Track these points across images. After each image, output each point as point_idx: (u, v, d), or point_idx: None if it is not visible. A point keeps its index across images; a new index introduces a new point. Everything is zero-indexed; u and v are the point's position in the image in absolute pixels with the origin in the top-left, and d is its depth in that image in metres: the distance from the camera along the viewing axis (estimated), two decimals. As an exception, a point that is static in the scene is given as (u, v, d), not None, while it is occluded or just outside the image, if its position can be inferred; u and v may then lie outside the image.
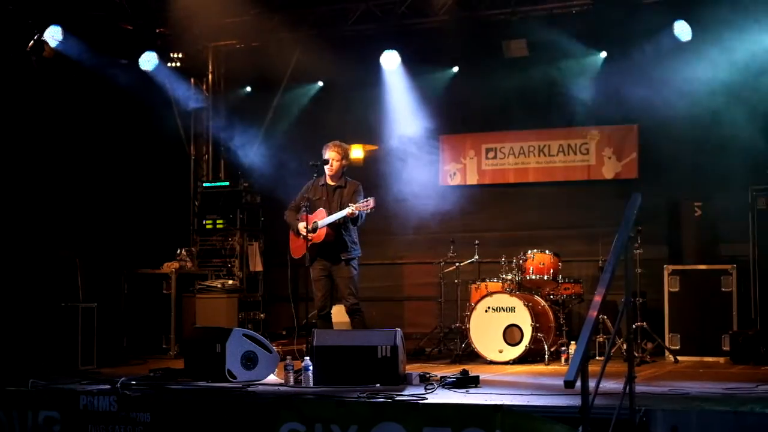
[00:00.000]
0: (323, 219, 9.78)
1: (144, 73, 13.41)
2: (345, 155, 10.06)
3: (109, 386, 8.14)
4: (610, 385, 7.16)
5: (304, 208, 9.72)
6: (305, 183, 10.14)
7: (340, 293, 9.91)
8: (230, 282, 12.93)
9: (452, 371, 9.24)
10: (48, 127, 12.04)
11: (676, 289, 11.41)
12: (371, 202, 9.63)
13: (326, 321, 9.91)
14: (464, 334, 11.46)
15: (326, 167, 9.94)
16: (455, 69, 13.73)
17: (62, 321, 10.56)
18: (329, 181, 10.01)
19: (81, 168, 12.51)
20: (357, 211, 9.62)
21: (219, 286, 12.70)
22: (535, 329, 10.90)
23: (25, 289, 10.64)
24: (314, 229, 9.69)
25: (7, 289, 10.58)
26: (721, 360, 10.97)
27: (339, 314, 10.36)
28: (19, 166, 11.65)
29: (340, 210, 9.78)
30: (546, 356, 10.93)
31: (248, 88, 14.61)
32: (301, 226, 9.78)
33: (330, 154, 9.96)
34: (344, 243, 9.87)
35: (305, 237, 9.66)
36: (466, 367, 9.11)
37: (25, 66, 11.77)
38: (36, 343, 10.29)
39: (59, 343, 10.47)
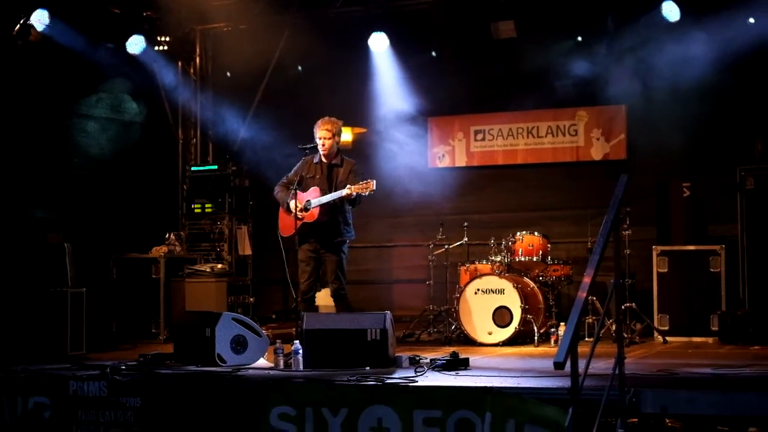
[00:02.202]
0: (317, 198, 9.59)
1: (131, 56, 13.34)
2: (338, 131, 9.84)
3: (98, 371, 8.12)
4: (599, 366, 7.19)
5: (295, 187, 9.47)
6: (295, 165, 10.00)
7: (327, 276, 9.74)
8: (219, 266, 12.90)
9: (442, 354, 9.21)
10: (35, 112, 11.99)
11: (665, 270, 11.43)
12: (372, 184, 9.41)
13: (310, 304, 9.73)
14: (454, 316, 11.48)
15: (320, 147, 9.73)
16: (443, 51, 13.68)
17: (51, 306, 10.53)
18: (324, 159, 9.79)
19: (70, 152, 12.46)
20: (354, 193, 9.44)
21: (208, 270, 12.68)
22: (524, 311, 10.91)
23: (13, 274, 10.59)
24: (306, 208, 9.52)
25: (-3, 275, 10.56)
26: (710, 340, 11.00)
27: (325, 298, 10.32)
28: (7, 151, 11.59)
29: (333, 187, 9.64)
30: (535, 338, 10.95)
31: (236, 71, 14.55)
32: (292, 203, 9.56)
33: (321, 132, 9.74)
34: (338, 224, 9.69)
35: (296, 216, 9.48)
36: (455, 349, 9.11)
37: (11, 50, 11.71)
38: (25, 328, 10.26)
39: (48, 329, 10.44)
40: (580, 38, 12.83)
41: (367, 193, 9.44)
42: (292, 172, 9.94)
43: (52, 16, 12.09)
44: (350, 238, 9.86)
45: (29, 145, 11.92)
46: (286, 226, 9.83)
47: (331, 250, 9.72)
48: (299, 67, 14.15)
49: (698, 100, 12.05)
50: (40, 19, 11.99)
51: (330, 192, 9.65)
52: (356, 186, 9.44)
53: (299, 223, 9.53)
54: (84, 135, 12.78)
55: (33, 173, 11.93)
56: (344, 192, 9.46)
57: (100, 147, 12.93)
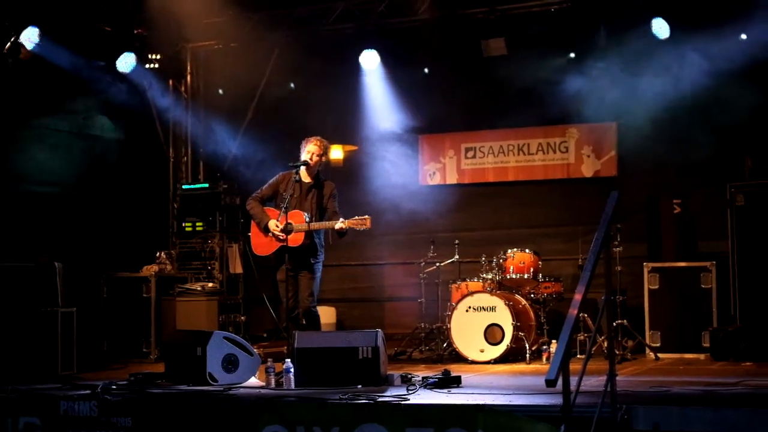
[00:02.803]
0: (300, 223, 9.48)
1: (122, 74, 13.33)
2: (325, 151, 9.83)
3: (89, 391, 8.10)
4: (591, 383, 7.16)
5: (283, 207, 9.36)
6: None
7: (300, 294, 9.65)
8: (210, 284, 12.88)
9: (434, 371, 9.23)
10: (25, 130, 11.97)
11: (656, 287, 11.44)
12: (368, 221, 9.35)
13: (295, 323, 9.63)
14: (445, 334, 11.46)
15: (308, 159, 9.68)
16: (434, 68, 13.71)
17: (42, 326, 10.50)
18: (305, 178, 9.74)
19: (60, 171, 12.44)
20: (346, 227, 9.40)
21: (199, 288, 12.65)
22: (516, 328, 10.90)
23: (3, 294, 10.56)
24: (288, 231, 9.42)
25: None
26: (702, 357, 11.01)
27: (325, 316, 10.25)
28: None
29: (312, 208, 9.59)
30: (527, 355, 10.93)
31: (227, 89, 14.56)
32: (272, 224, 9.53)
33: (311, 147, 9.72)
34: (314, 247, 9.66)
35: (278, 238, 9.44)
36: (447, 367, 9.12)
37: (1, 68, 11.70)
38: (15, 348, 10.24)
39: (39, 348, 10.41)
40: (572, 55, 12.84)
41: (360, 228, 9.38)
42: (267, 185, 9.88)
43: (42, 34, 12.08)
44: (322, 259, 9.81)
45: (19, 164, 11.90)
46: (260, 245, 9.78)
47: (306, 269, 9.67)
48: (292, 85, 14.15)
49: (688, 117, 12.09)
50: (30, 37, 11.97)
51: (312, 214, 9.60)
52: (351, 221, 9.38)
53: (278, 245, 9.48)
54: (53, 150, 12.67)
55: (22, 193, 11.90)
56: (337, 225, 9.38)
57: (69, 163, 12.80)
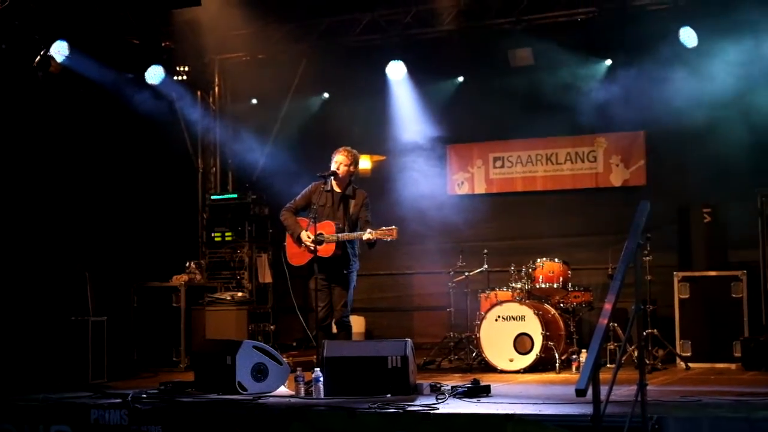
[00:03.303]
0: (331, 234, 9.47)
1: (151, 86, 13.42)
2: (354, 161, 9.78)
3: (119, 399, 8.14)
4: (621, 392, 7.12)
5: (311, 217, 9.38)
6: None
7: (334, 305, 9.65)
8: (239, 294, 12.92)
9: (463, 381, 9.22)
10: (55, 142, 12.06)
11: (687, 296, 11.38)
12: (395, 232, 9.28)
13: (327, 332, 9.61)
14: (474, 343, 11.45)
15: (336, 169, 9.66)
16: (461, 78, 13.73)
17: (72, 335, 10.58)
18: (336, 188, 9.74)
19: (90, 182, 12.52)
20: (375, 238, 9.39)
21: (228, 298, 12.70)
22: (545, 338, 10.88)
23: (35, 302, 10.65)
24: (319, 242, 9.41)
25: (18, 303, 10.59)
26: (733, 366, 10.94)
27: (356, 324, 10.22)
28: (28, 181, 11.66)
29: (345, 218, 9.59)
30: (557, 365, 10.90)
31: (255, 100, 14.63)
32: (304, 235, 9.51)
33: (339, 158, 9.71)
34: (347, 257, 9.63)
35: (309, 249, 9.43)
36: (476, 376, 9.10)
37: (31, 81, 11.79)
38: (47, 356, 10.31)
39: (70, 357, 10.48)
40: (601, 63, 12.82)
41: (388, 239, 9.33)
42: (300, 196, 9.87)
43: (71, 47, 12.17)
44: (356, 269, 9.79)
45: (50, 176, 11.98)
46: (294, 255, 9.77)
47: (340, 281, 9.66)
48: (326, 94, 14.19)
49: (718, 125, 12.02)
50: (59, 50, 12.06)
51: (343, 224, 9.60)
52: (378, 231, 9.33)
53: (311, 255, 9.48)
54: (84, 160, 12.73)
55: (53, 203, 11.98)
56: (365, 236, 9.34)
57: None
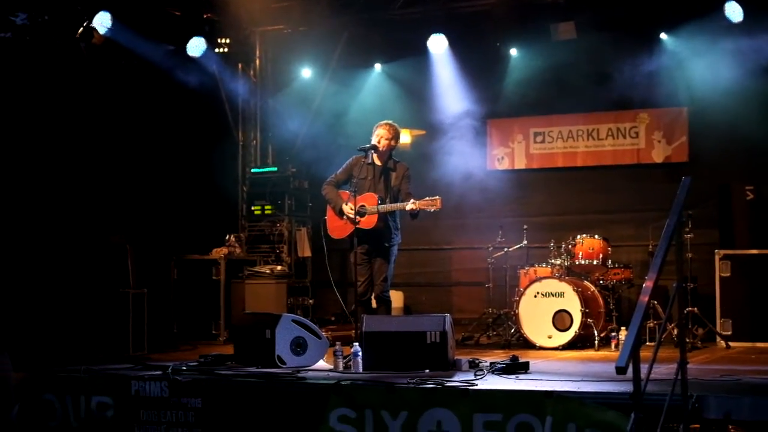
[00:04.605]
0: (373, 205, 9.44)
1: (192, 58, 13.44)
2: (395, 135, 9.72)
3: (160, 372, 8.20)
4: (661, 371, 7.10)
5: (352, 190, 9.35)
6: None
7: (374, 279, 9.63)
8: (279, 268, 12.96)
9: (501, 357, 9.21)
10: (98, 114, 12.11)
11: (728, 274, 11.29)
12: (438, 201, 9.19)
13: (367, 306, 9.59)
14: (513, 319, 11.43)
15: (377, 144, 9.61)
16: (502, 53, 13.64)
17: (113, 307, 10.65)
18: (377, 161, 9.68)
19: (131, 154, 12.57)
20: (418, 209, 9.33)
21: (268, 271, 12.74)
22: (584, 315, 10.84)
23: (77, 275, 10.71)
24: (361, 213, 9.39)
25: (60, 276, 10.67)
26: (774, 345, 10.86)
27: (395, 299, 10.18)
28: (71, 153, 11.73)
29: (387, 191, 9.55)
30: (596, 342, 10.86)
31: (296, 73, 14.60)
32: (346, 207, 9.50)
33: (380, 131, 9.66)
34: (389, 230, 9.58)
35: (352, 220, 9.38)
36: (515, 352, 9.10)
37: (74, 53, 11.84)
38: (88, 329, 10.37)
39: (110, 330, 10.56)
40: (652, 37, 12.68)
41: (431, 209, 9.25)
42: (341, 170, 9.83)
43: (114, 18, 12.20)
44: (398, 242, 9.75)
45: (93, 147, 12.04)
46: (336, 228, 9.77)
47: (381, 254, 9.63)
48: (376, 65, 14.11)
49: (761, 102, 11.90)
50: (102, 21, 12.11)
51: (385, 196, 9.57)
52: (422, 201, 9.25)
53: (353, 228, 9.45)
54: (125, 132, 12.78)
55: (95, 175, 12.05)
56: (408, 206, 9.27)
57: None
